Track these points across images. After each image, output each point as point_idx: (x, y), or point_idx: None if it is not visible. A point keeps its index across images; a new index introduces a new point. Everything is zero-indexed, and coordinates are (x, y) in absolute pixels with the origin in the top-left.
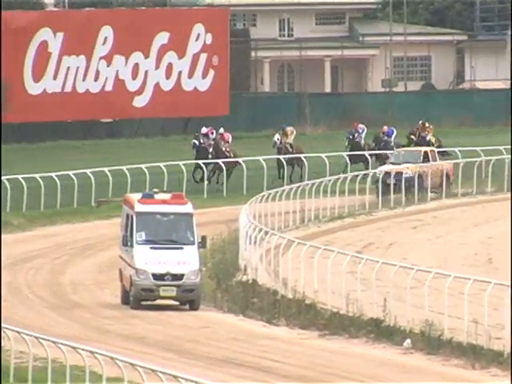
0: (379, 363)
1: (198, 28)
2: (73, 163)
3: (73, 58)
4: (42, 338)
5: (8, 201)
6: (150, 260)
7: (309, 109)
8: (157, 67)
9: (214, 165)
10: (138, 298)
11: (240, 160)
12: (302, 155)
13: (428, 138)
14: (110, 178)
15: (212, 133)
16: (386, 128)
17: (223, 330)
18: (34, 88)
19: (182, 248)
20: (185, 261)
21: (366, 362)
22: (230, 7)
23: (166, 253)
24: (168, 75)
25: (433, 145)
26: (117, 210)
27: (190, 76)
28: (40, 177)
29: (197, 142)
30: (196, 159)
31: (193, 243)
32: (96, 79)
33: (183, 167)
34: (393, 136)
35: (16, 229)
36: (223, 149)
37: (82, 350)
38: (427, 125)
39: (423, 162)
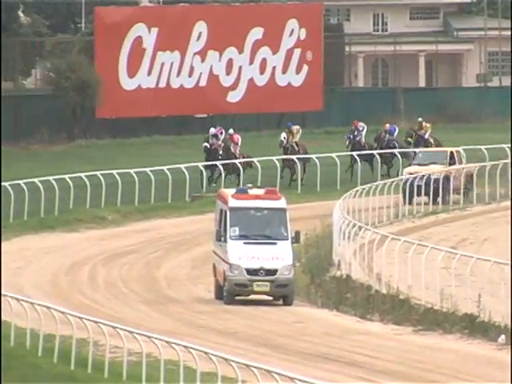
0: (473, 359)
1: (292, 23)
2: (167, 158)
3: (167, 54)
4: (136, 333)
5: (103, 196)
6: (243, 255)
7: (403, 104)
8: (251, 62)
9: (225, 166)
10: (232, 292)
11: (254, 160)
12: (308, 155)
13: (427, 137)
14: (204, 173)
15: (221, 133)
16: (388, 126)
17: (317, 325)
18: (128, 83)
19: (275, 243)
20: (278, 256)
21: (460, 358)
22: (324, 2)
23: (259, 248)
24: (262, 70)
25: (431, 144)
26: (210, 205)
27: (284, 71)
28: (135, 172)
29: (208, 145)
30: (206, 161)
31: (286, 238)
32: (190, 75)
33: (277, 162)
34: (395, 134)
35: (110, 224)
36: (232, 150)
37: (176, 344)
38: (425, 123)
39: (449, 163)
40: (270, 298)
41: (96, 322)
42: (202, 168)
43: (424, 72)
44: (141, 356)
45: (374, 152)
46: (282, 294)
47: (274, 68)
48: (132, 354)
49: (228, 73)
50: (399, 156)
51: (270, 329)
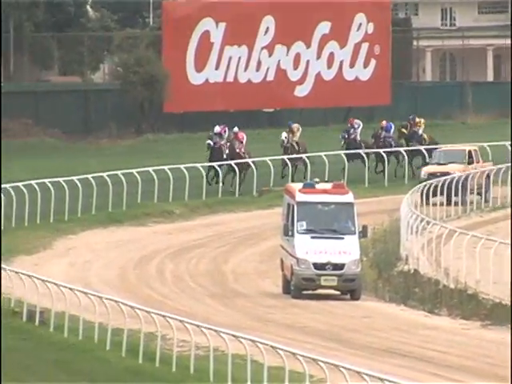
0: None
1: (360, 18)
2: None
3: (235, 48)
4: (203, 327)
5: (170, 190)
6: (310, 249)
7: (471, 98)
8: (318, 57)
9: (228, 166)
10: (299, 287)
11: (249, 161)
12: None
13: (420, 133)
14: (272, 167)
15: (225, 131)
16: (384, 123)
17: (384, 319)
18: (196, 78)
19: (342, 238)
20: (345, 250)
21: None
22: None
23: (326, 242)
24: (329, 65)
25: (425, 140)
26: (278, 199)
27: (352, 65)
28: (202, 166)
29: (211, 143)
30: (210, 160)
31: (353, 233)
32: (258, 69)
33: (344, 157)
34: (391, 131)
35: (178, 218)
36: (237, 150)
37: (244, 338)
38: (418, 120)
39: (468, 162)
40: (338, 293)
41: (164, 316)
42: (202, 169)
43: (492, 66)
44: (208, 350)
45: (380, 150)
46: (350, 289)
47: (341, 62)
48: (199, 348)
49: (295, 67)
50: (404, 154)
51: (338, 323)
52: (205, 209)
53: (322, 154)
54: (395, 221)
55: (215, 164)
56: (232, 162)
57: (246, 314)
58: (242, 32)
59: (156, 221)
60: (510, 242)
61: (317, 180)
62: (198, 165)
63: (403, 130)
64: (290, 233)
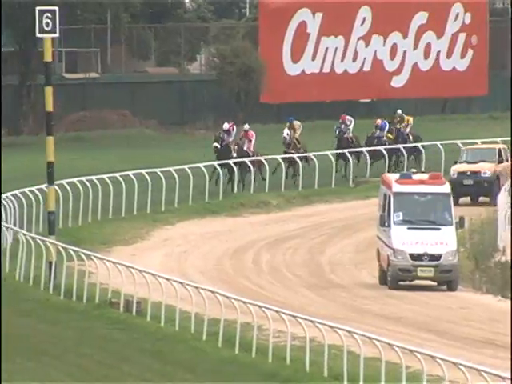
0: None
1: (457, 7)
2: (330, 143)
3: (331, 39)
4: (300, 317)
5: (267, 181)
6: (407, 240)
7: None
8: (415, 47)
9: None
10: (396, 278)
11: (263, 159)
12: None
13: (406, 132)
14: (368, 157)
15: (233, 129)
16: (379, 121)
17: (481, 310)
18: (292, 68)
19: (439, 228)
20: (442, 241)
21: None
22: None
23: (423, 233)
24: (426, 55)
25: (410, 140)
26: (374, 190)
27: (449, 56)
28: (298, 157)
29: (218, 146)
30: (218, 159)
31: (450, 224)
32: (354, 60)
33: (441, 147)
34: (386, 129)
35: (274, 209)
36: (245, 148)
37: (340, 329)
38: (407, 117)
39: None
40: (434, 284)
41: (260, 307)
42: (218, 167)
43: None
44: (304, 341)
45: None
46: (446, 280)
47: (438, 53)
48: (295, 339)
49: (392, 58)
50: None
51: (434, 314)
52: (301, 199)
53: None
54: (493, 212)
55: (229, 162)
56: (249, 159)
57: (342, 304)
58: (339, 23)
59: (252, 211)
60: None
61: (413, 170)
62: (294, 155)
63: (390, 134)
64: (386, 223)
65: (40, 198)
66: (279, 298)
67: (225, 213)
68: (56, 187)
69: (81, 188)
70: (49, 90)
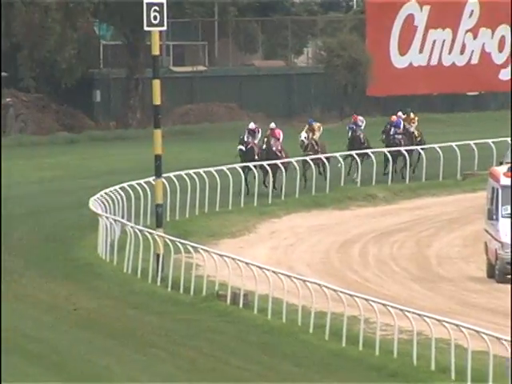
0: None
1: None
2: (438, 136)
3: (439, 31)
4: (407, 311)
5: (374, 174)
6: None
7: None
8: None
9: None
10: (504, 271)
11: (292, 160)
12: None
13: (412, 130)
14: (476, 150)
15: (258, 131)
16: (394, 118)
17: None
18: (399, 61)
19: None
20: None
21: None
22: None
23: None
24: None
25: (416, 138)
26: (482, 183)
27: None
28: (406, 150)
29: (243, 148)
30: (243, 161)
31: None
32: (462, 52)
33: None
34: (401, 127)
35: (381, 202)
36: (273, 148)
37: (447, 323)
38: (412, 115)
39: None
40: None
41: (367, 300)
42: (240, 169)
43: None
44: (411, 334)
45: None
46: None
47: None
48: (403, 332)
49: (500, 50)
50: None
51: None
52: (408, 192)
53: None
54: None
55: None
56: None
57: (449, 298)
58: (446, 15)
59: (359, 204)
60: None
61: None
62: (401, 148)
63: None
64: (494, 217)
65: (148, 190)
66: (386, 292)
67: (332, 206)
68: (163, 180)
69: (188, 181)
70: (156, 84)
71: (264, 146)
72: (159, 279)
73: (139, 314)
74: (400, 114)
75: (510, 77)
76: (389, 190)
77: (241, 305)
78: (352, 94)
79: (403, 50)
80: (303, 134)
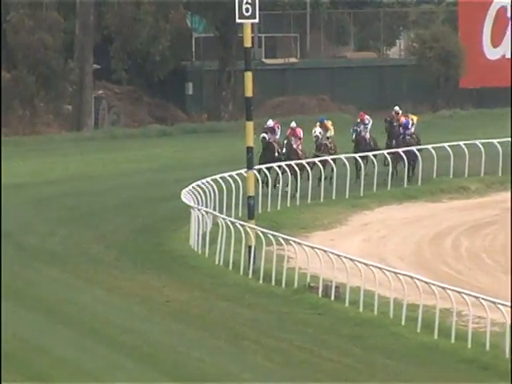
0: None
1: None
2: None
3: None
4: (499, 303)
5: (466, 166)
6: None
7: None
8: None
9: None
10: None
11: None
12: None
13: (412, 132)
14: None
15: (278, 127)
16: (403, 119)
17: None
18: (492, 53)
19: None
20: None
21: None
22: None
23: None
24: None
25: (415, 140)
26: None
27: None
28: (498, 142)
29: (267, 137)
30: (262, 156)
31: None
32: None
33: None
34: (411, 128)
35: (473, 194)
36: (294, 146)
37: None
38: (411, 115)
39: None
40: None
41: (459, 292)
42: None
43: None
44: (504, 327)
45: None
46: None
47: None
48: (495, 325)
49: None
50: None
51: None
52: (500, 185)
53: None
54: None
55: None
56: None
57: None
58: None
59: (451, 197)
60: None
61: None
62: (494, 141)
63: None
64: None
65: (239, 182)
66: (478, 284)
67: (424, 198)
68: (255, 172)
69: (280, 173)
70: (248, 76)
71: (284, 149)
72: (251, 271)
73: (231, 306)
74: (397, 108)
75: None
76: (481, 182)
77: (332, 297)
78: (444, 86)
79: (496, 41)
80: (317, 130)
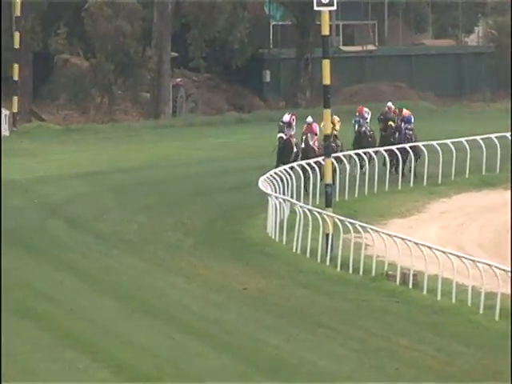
0: None
1: None
2: None
3: None
4: None
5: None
6: None
7: None
8: None
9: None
10: None
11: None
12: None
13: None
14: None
15: (293, 120)
16: (406, 112)
17: None
18: None
19: None
20: None
21: None
22: None
23: None
24: None
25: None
26: None
27: None
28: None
29: (284, 136)
30: (279, 154)
31: None
32: None
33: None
34: (412, 123)
35: None
36: (311, 143)
37: None
38: (406, 111)
39: None
40: None
41: None
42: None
43: None
44: None
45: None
46: None
47: None
48: None
49: None
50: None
51: None
52: None
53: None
54: None
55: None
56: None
57: None
58: None
59: None
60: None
61: None
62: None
63: (390, 123)
64: None
65: (317, 170)
66: None
67: (502, 185)
68: (333, 160)
69: (357, 161)
70: (326, 63)
71: (303, 144)
72: (328, 259)
73: (308, 293)
74: (390, 104)
75: None
76: None
77: (410, 285)
78: None
79: None
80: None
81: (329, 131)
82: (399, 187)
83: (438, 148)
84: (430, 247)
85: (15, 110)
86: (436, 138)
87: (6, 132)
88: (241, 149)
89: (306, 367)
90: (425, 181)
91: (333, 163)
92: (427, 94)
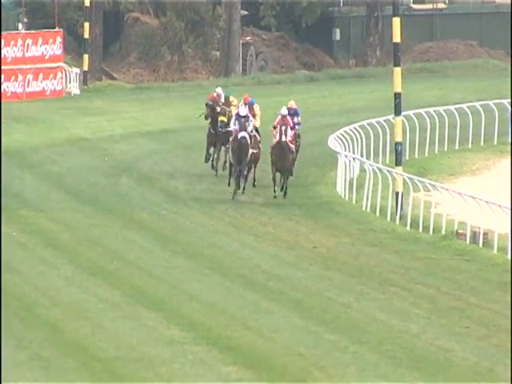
0: None
1: None
2: None
3: None
4: None
5: None
6: None
7: None
8: None
9: None
10: None
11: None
12: None
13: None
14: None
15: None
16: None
17: None
18: None
19: None
20: None
21: None
22: None
23: None
24: None
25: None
26: None
27: None
28: None
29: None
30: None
31: None
32: None
33: None
34: None
35: None
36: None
37: None
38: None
39: None
40: None
41: None
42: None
43: None
44: None
45: None
46: None
47: None
48: None
49: None
50: None
51: None
52: None
53: None
54: None
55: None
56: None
57: None
58: None
59: None
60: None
61: None
62: None
63: None
64: None
65: (387, 128)
66: None
67: None
68: (403, 118)
69: (427, 119)
70: (396, 21)
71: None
72: (398, 217)
73: (378, 251)
74: None
75: None
76: None
77: (480, 244)
78: None
79: None
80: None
81: (399, 89)
82: (469, 145)
83: (509, 106)
84: (499, 205)
85: (86, 68)
86: (506, 96)
87: (76, 90)
88: (311, 107)
89: (376, 326)
90: (495, 139)
91: (402, 121)
92: (497, 52)
